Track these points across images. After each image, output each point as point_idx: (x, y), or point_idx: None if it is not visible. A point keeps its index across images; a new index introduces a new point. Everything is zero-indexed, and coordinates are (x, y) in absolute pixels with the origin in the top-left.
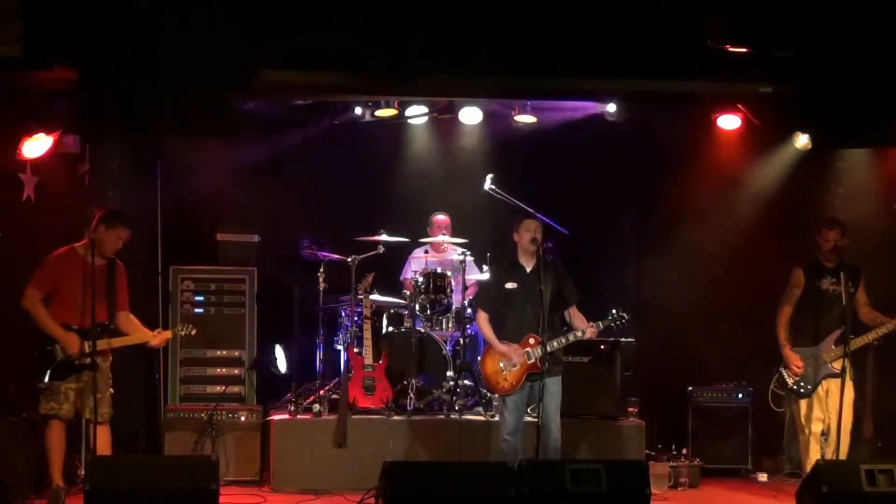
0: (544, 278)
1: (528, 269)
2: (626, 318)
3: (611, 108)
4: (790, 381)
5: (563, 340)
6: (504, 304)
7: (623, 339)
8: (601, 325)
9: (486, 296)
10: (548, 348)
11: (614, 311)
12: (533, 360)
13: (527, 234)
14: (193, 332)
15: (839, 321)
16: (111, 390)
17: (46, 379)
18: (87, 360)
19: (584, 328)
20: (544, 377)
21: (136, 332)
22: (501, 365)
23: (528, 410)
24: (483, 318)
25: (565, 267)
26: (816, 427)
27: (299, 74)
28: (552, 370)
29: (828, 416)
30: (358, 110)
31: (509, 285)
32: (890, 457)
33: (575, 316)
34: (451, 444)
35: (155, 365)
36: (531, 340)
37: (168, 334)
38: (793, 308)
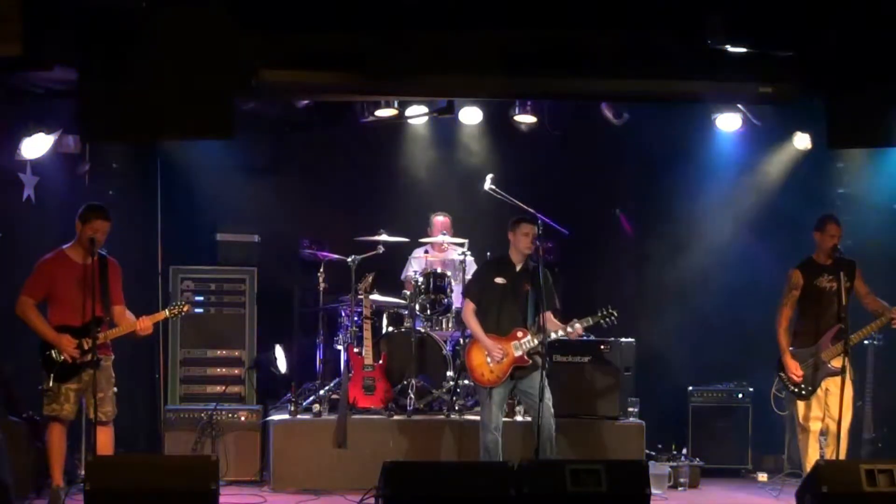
0: (531, 278)
1: (518, 268)
2: (616, 314)
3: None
4: (790, 384)
5: (555, 335)
6: (490, 297)
7: (623, 339)
8: (591, 321)
9: (473, 286)
10: (536, 341)
11: (603, 309)
12: (520, 354)
13: (524, 240)
14: (186, 308)
15: (837, 318)
16: (114, 389)
17: (51, 382)
18: (88, 358)
19: (563, 327)
20: (529, 371)
21: (129, 324)
22: (488, 357)
23: (519, 409)
24: (469, 309)
25: (552, 276)
26: (815, 426)
27: (299, 74)
28: (539, 365)
29: (828, 414)
30: (358, 110)
31: (498, 280)
32: (890, 457)
33: (547, 320)
34: (451, 444)
35: (155, 365)
36: (519, 334)
37: (158, 316)
38: (791, 310)
